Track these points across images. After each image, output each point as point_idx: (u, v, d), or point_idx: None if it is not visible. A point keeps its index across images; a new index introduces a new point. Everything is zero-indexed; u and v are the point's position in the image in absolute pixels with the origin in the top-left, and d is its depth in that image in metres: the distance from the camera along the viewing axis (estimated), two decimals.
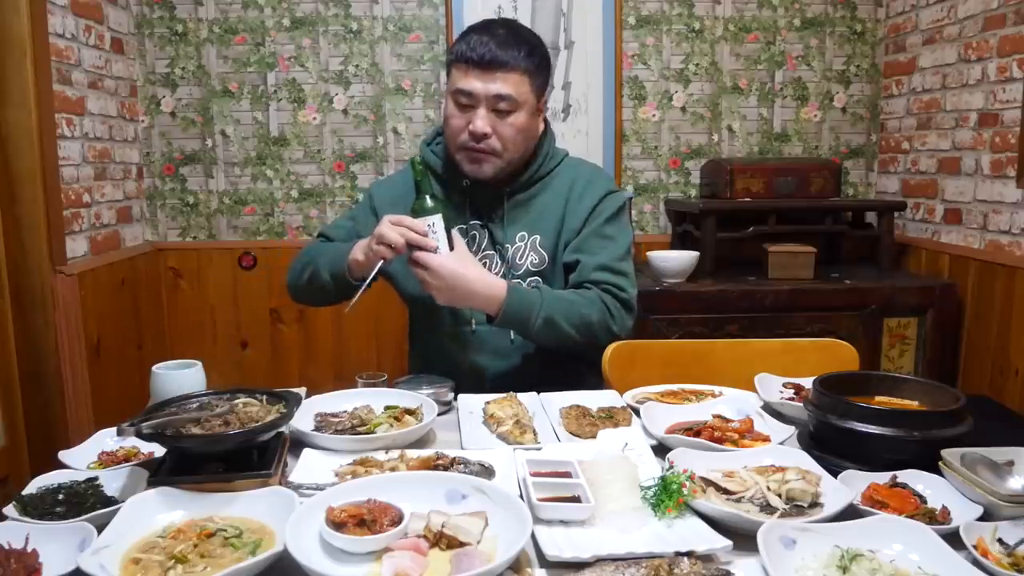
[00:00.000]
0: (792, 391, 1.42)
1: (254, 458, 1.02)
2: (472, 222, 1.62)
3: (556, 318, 1.47)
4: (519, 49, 1.51)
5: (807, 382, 1.30)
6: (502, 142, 1.53)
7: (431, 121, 2.94)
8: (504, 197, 1.61)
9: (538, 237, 1.60)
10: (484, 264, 1.58)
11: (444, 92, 1.57)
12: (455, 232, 1.48)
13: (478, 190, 1.60)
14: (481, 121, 1.50)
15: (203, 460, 1.00)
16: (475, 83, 1.50)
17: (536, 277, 1.60)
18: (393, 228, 1.40)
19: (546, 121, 1.66)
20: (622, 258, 1.59)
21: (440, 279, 1.40)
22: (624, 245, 1.61)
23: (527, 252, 1.60)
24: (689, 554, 0.84)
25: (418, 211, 1.41)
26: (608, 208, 1.61)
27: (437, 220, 1.40)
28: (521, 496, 0.97)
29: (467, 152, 1.54)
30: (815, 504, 0.96)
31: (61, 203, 2.26)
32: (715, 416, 1.26)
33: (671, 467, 0.99)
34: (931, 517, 0.94)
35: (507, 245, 1.60)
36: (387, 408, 1.29)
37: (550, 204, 1.62)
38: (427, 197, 1.42)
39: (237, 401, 1.10)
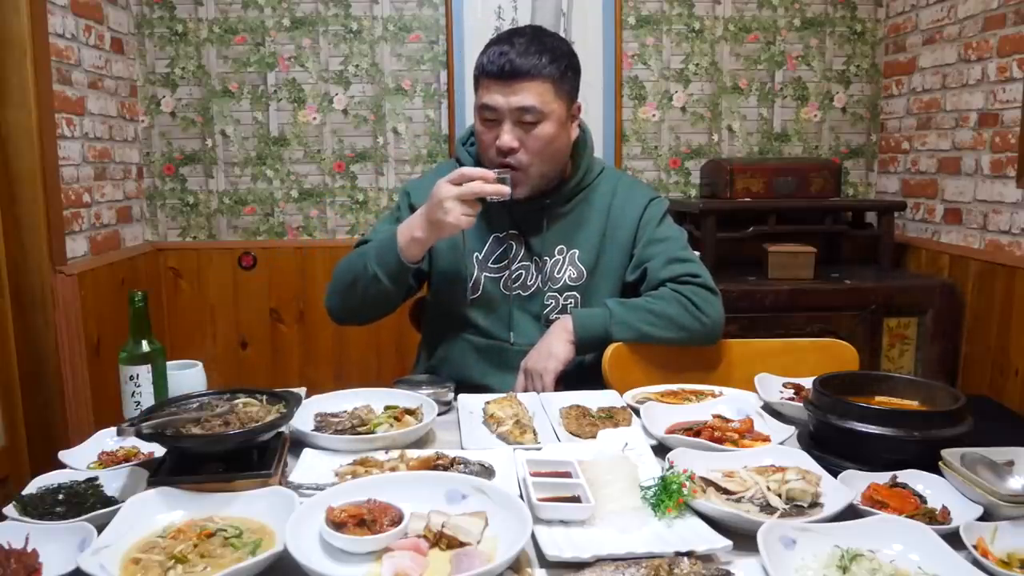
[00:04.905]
0: (792, 391, 1.42)
1: (254, 458, 1.02)
2: (510, 231, 1.60)
3: (631, 322, 1.50)
4: (540, 56, 1.46)
5: (807, 382, 1.30)
6: (530, 155, 1.49)
7: (431, 121, 2.94)
8: (544, 209, 1.59)
9: (577, 251, 1.60)
10: (519, 276, 1.59)
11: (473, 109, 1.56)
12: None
13: (517, 200, 1.57)
14: (507, 136, 1.47)
15: (203, 460, 1.00)
16: (497, 97, 1.46)
17: (574, 292, 1.60)
18: (455, 188, 1.38)
19: (586, 131, 1.64)
20: (683, 247, 1.60)
21: (526, 362, 1.51)
22: (681, 238, 1.62)
23: (565, 266, 1.60)
24: (689, 554, 0.84)
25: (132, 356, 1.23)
26: (654, 214, 1.62)
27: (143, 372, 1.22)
28: (521, 496, 0.97)
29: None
30: (815, 504, 0.96)
31: (61, 203, 2.26)
32: (715, 416, 1.26)
33: (671, 467, 0.99)
34: (931, 517, 0.94)
35: (545, 258, 1.59)
36: (387, 408, 1.29)
37: (590, 218, 1.61)
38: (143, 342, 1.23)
39: (237, 401, 1.10)
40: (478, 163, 1.59)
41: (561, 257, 1.60)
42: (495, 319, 1.61)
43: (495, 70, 1.46)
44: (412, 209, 1.64)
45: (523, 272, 1.60)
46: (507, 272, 1.60)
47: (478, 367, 1.60)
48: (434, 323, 1.70)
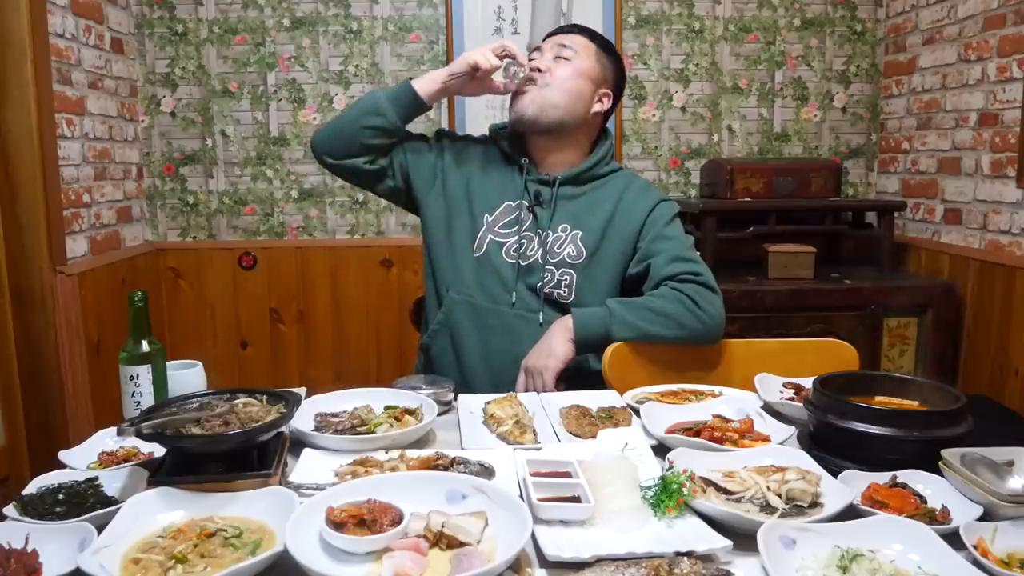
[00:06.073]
0: (792, 391, 1.41)
1: (254, 458, 1.02)
2: (522, 201, 1.65)
3: (631, 321, 1.52)
4: (592, 32, 1.70)
5: (807, 382, 1.30)
6: (551, 77, 1.61)
7: (431, 121, 2.93)
8: (557, 185, 1.65)
9: (580, 232, 1.63)
10: (521, 246, 1.64)
11: None
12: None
13: (534, 172, 1.66)
14: (541, 59, 1.65)
15: (203, 460, 1.00)
16: (547, 43, 1.68)
17: (570, 270, 1.62)
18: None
19: (609, 134, 1.74)
20: (688, 248, 1.62)
21: (527, 361, 1.54)
22: (687, 240, 1.65)
23: (566, 243, 1.63)
24: (689, 554, 0.84)
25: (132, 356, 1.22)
26: (664, 213, 1.66)
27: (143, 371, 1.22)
28: (521, 496, 0.97)
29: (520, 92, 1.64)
30: (815, 504, 0.96)
31: (61, 203, 2.26)
32: (715, 416, 1.26)
33: (671, 467, 0.99)
34: (931, 517, 0.94)
35: (549, 232, 1.63)
36: (387, 408, 1.29)
37: (599, 204, 1.65)
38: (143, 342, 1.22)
39: (237, 401, 1.10)
40: (512, 142, 1.70)
41: (564, 235, 1.63)
42: (497, 281, 1.63)
43: (557, 30, 1.72)
44: (438, 141, 1.75)
45: (525, 242, 1.63)
46: (511, 240, 1.64)
47: (478, 331, 1.62)
48: (437, 281, 1.69)
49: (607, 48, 1.70)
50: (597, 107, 1.67)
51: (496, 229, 1.65)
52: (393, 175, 1.70)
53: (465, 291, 1.64)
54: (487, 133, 1.77)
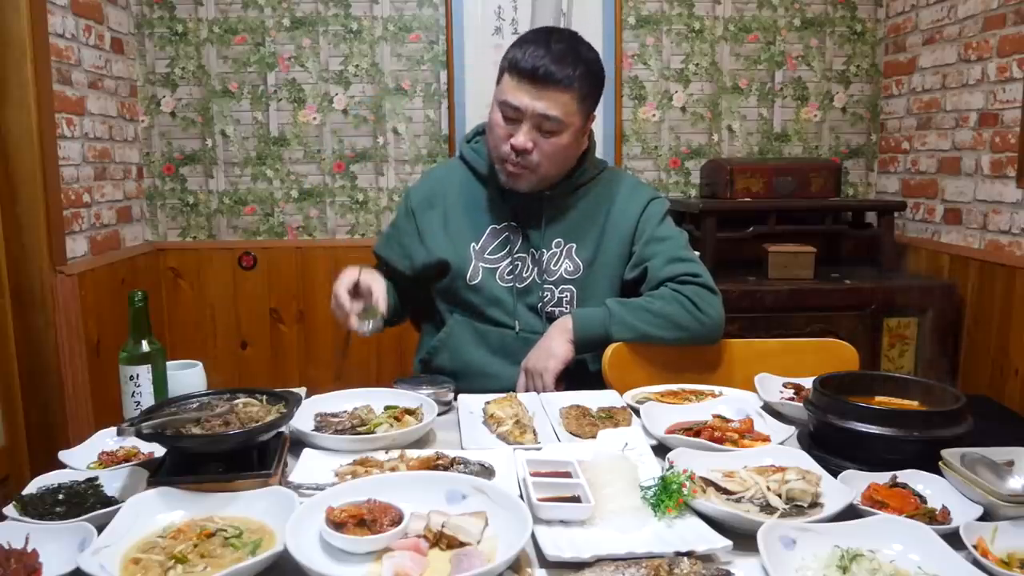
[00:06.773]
0: (792, 391, 1.42)
1: (254, 458, 1.02)
2: (509, 223, 1.62)
3: (631, 322, 1.51)
4: (575, 68, 1.46)
5: (807, 382, 1.30)
6: (541, 158, 1.50)
7: (431, 121, 2.94)
8: (543, 201, 1.60)
9: (574, 245, 1.61)
10: (515, 267, 1.60)
11: (493, 98, 1.57)
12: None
13: (517, 192, 1.59)
14: (524, 137, 1.48)
15: (203, 460, 1.00)
16: (524, 98, 1.46)
17: (570, 286, 1.60)
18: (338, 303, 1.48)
19: (590, 134, 1.65)
20: (684, 247, 1.60)
21: (526, 362, 1.53)
22: (681, 238, 1.62)
23: (562, 259, 1.60)
24: (689, 554, 0.84)
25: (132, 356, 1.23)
26: (655, 212, 1.63)
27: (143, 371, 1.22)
28: (521, 496, 0.97)
29: (504, 165, 1.53)
30: (815, 504, 0.96)
31: (61, 203, 2.26)
32: (715, 416, 1.26)
33: (671, 467, 0.99)
34: (931, 517, 0.94)
35: (543, 250, 1.60)
36: (387, 408, 1.29)
37: (590, 212, 1.62)
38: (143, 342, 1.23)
39: (237, 401, 1.10)
40: (486, 160, 1.61)
41: (559, 250, 1.61)
42: (498, 306, 1.61)
43: (528, 69, 1.45)
44: (411, 213, 1.67)
45: (519, 264, 1.61)
46: (503, 264, 1.61)
47: (480, 352, 1.61)
48: (438, 303, 1.68)
49: (591, 76, 1.50)
50: (586, 140, 1.61)
51: (485, 256, 1.61)
52: (415, 282, 1.68)
53: (469, 316, 1.62)
54: (460, 155, 1.70)
